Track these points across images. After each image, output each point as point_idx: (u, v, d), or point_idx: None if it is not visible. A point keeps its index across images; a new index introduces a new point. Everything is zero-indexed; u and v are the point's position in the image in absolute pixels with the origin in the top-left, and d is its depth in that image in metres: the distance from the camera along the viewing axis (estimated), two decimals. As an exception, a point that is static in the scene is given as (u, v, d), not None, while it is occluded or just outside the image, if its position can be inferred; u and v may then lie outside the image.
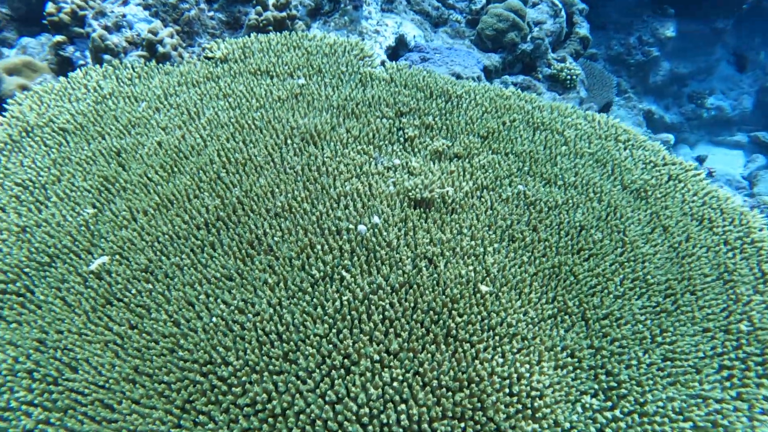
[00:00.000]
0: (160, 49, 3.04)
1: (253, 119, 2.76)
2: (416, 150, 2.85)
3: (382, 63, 3.34)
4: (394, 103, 3.04)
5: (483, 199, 2.58)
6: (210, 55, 3.05)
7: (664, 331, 2.21)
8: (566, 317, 2.18)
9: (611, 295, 2.28)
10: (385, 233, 2.31)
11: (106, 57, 3.06)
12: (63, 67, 3.42)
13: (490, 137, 2.93)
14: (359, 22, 4.05)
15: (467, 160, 2.80)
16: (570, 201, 2.62)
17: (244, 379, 1.92)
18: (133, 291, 2.15)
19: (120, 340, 2.05)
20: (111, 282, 2.19)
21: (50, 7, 3.26)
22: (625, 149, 3.06)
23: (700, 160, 7.72)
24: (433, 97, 3.14)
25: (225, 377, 1.93)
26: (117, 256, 2.26)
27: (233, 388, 1.91)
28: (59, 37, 3.25)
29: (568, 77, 4.86)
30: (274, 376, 1.93)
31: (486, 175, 2.70)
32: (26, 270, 2.25)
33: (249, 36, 3.26)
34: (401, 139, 2.89)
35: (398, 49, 4.50)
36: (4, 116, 2.75)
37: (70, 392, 1.97)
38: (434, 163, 2.77)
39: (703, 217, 2.73)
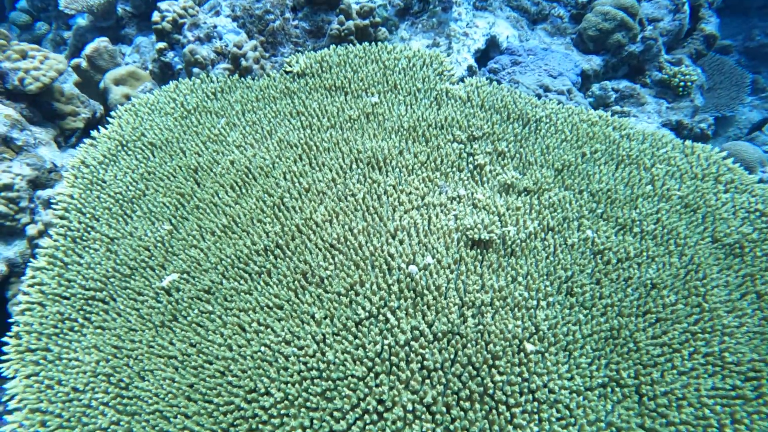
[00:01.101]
0: (243, 62, 3.17)
1: (321, 140, 2.82)
2: (485, 179, 2.76)
3: (461, 79, 3.22)
4: (467, 126, 2.95)
5: (546, 243, 2.46)
6: (288, 69, 3.13)
7: (737, 422, 2.00)
8: (618, 389, 2.05)
9: (675, 370, 2.10)
10: (435, 276, 2.29)
11: (195, 70, 3.25)
12: (164, 71, 3.69)
13: (564, 171, 2.76)
14: (447, 24, 3.92)
15: (536, 196, 2.67)
16: (644, 253, 2.42)
17: (283, 411, 2.03)
18: (196, 311, 2.33)
19: (180, 356, 2.24)
20: (178, 299, 2.39)
21: (156, 16, 3.51)
22: (725, 192, 2.74)
23: None
24: (510, 121, 3.01)
25: (266, 407, 2.06)
26: (185, 275, 2.45)
27: (272, 419, 2.03)
28: (161, 44, 3.50)
29: (681, 84, 4.38)
30: (311, 413, 2.02)
31: (554, 216, 2.56)
32: (111, 279, 2.51)
33: (329, 48, 3.28)
34: (471, 166, 2.81)
35: (490, 51, 4.31)
36: (107, 129, 3.03)
37: (137, 399, 2.20)
38: (501, 197, 2.68)
39: (810, 282, 2.41)
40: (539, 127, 2.97)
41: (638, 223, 2.53)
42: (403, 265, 2.34)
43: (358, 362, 2.11)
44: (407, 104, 3.06)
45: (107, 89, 3.45)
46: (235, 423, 2.06)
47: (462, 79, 3.51)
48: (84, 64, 3.80)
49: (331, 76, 3.16)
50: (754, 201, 2.68)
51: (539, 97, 3.56)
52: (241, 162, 2.77)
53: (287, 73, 3.17)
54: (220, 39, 3.34)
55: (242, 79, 3.22)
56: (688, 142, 3.02)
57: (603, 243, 2.43)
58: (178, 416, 2.12)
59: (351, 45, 3.40)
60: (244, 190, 2.67)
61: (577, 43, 4.54)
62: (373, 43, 3.38)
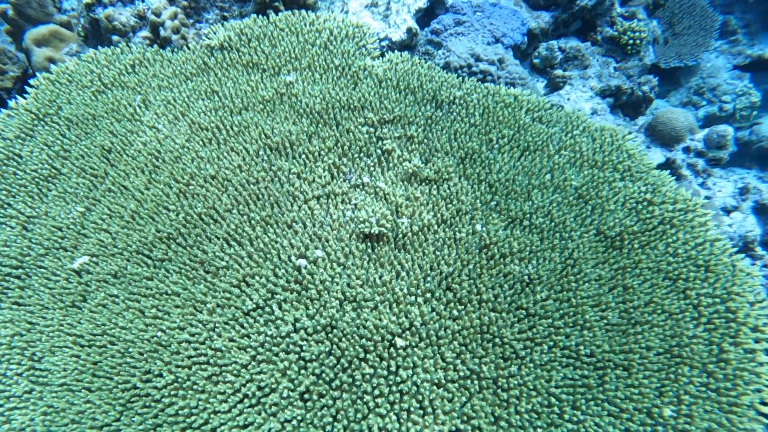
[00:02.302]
0: (162, 32, 3.08)
1: (232, 123, 2.83)
2: (392, 166, 2.80)
3: (384, 52, 3.13)
4: (379, 108, 2.94)
5: (437, 236, 2.55)
6: (207, 42, 3.05)
7: (576, 408, 2.20)
8: (477, 382, 2.23)
9: (532, 363, 2.27)
10: (322, 270, 2.41)
11: (115, 38, 3.17)
12: (95, 27, 3.59)
13: (467, 159, 2.78)
14: (387, -19, 3.75)
15: (437, 186, 2.72)
16: (527, 248, 2.52)
17: (173, 392, 2.24)
18: (102, 294, 2.48)
19: (87, 336, 2.42)
20: (87, 281, 2.53)
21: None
22: (621, 180, 2.78)
23: None
24: (423, 102, 2.98)
25: (159, 387, 2.26)
26: (95, 258, 2.58)
27: (164, 399, 2.24)
28: (88, -1, 3.38)
29: (630, 41, 4.22)
30: (198, 395, 2.23)
31: (449, 207, 2.63)
32: (26, 258, 2.64)
33: (251, 16, 3.17)
34: (379, 151, 2.84)
35: (435, 8, 4.14)
36: (26, 99, 3.02)
37: (48, 372, 2.41)
38: (403, 186, 2.73)
39: (679, 275, 2.52)
40: (451, 110, 2.95)
41: (529, 216, 2.60)
42: (294, 258, 2.45)
43: (242, 351, 2.28)
44: (322, 83, 3.02)
45: (29, 50, 3.36)
46: (131, 400, 2.27)
47: (383, 53, 3.42)
48: (11, 11, 3.67)
49: (248, 51, 3.08)
50: (644, 190, 2.73)
51: (470, 67, 3.48)
52: (152, 144, 2.80)
53: (207, 46, 3.10)
54: (143, 1, 3.22)
55: (161, 51, 3.15)
56: (600, 124, 3.01)
57: (490, 238, 2.52)
58: (83, 390, 2.33)
59: (275, 13, 3.28)
60: (153, 175, 2.73)
61: (529, -4, 4.35)
62: (298, 11, 3.26)
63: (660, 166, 4.04)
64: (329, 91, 2.97)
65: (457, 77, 3.12)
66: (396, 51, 3.22)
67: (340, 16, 3.28)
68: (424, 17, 4.07)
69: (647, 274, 2.51)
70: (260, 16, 3.19)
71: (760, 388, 2.28)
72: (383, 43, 3.77)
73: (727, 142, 3.84)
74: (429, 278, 2.43)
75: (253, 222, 2.56)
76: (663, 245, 2.60)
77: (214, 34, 3.12)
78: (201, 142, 2.79)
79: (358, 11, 3.76)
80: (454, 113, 2.94)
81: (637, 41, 4.22)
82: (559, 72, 4.14)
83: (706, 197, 3.80)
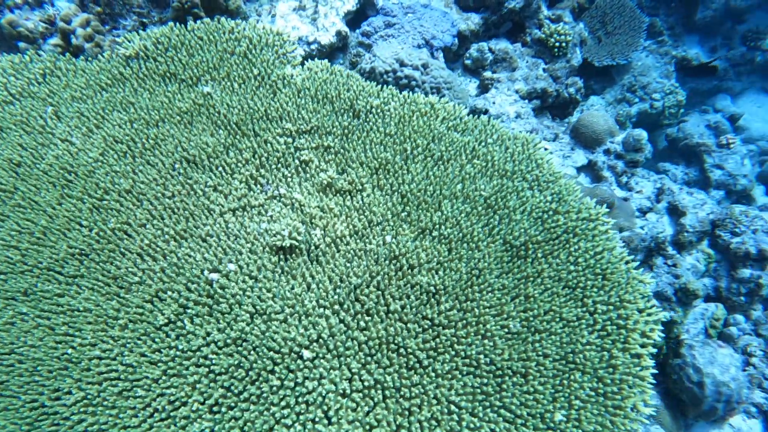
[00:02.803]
0: (74, 40, 3.03)
1: (148, 136, 2.83)
2: (309, 177, 2.86)
3: (302, 62, 3.16)
4: (297, 119, 2.98)
5: (348, 248, 2.63)
6: (122, 51, 3.01)
7: (473, 415, 2.33)
8: (381, 391, 2.33)
9: (434, 373, 2.39)
10: (233, 284, 2.47)
11: (22, 44, 3.09)
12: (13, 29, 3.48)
13: (381, 170, 2.86)
14: (314, -15, 3.76)
15: (351, 197, 2.79)
16: (434, 260, 2.62)
17: (82, 409, 2.28)
18: (11, 312, 2.48)
19: (-4, 355, 2.42)
20: (-4, 299, 2.52)
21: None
22: (530, 189, 2.91)
23: (733, 119, 6.86)
24: (341, 112, 3.04)
25: (68, 405, 2.29)
26: (2, 275, 2.56)
27: (72, 416, 2.27)
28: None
29: (557, 44, 4.35)
30: (108, 411, 2.27)
31: (361, 219, 2.71)
32: (-66, 275, 2.61)
33: (168, 24, 3.13)
34: (297, 162, 2.89)
35: (367, 9, 4.17)
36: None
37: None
38: (318, 197, 2.79)
39: (578, 284, 2.67)
40: (368, 119, 3.02)
41: (438, 226, 2.71)
42: (206, 273, 2.50)
43: (154, 365, 2.33)
44: (241, 94, 3.04)
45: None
46: (39, 418, 2.29)
47: (306, 59, 3.45)
48: None
49: (166, 60, 3.07)
50: (551, 199, 2.86)
51: (394, 72, 3.54)
52: (64, 158, 2.78)
53: (123, 56, 3.05)
54: (53, 5, 3.15)
55: (74, 59, 3.09)
56: (514, 132, 3.13)
57: (399, 249, 2.62)
58: (-7, 411, 2.34)
59: (195, 20, 3.26)
60: (66, 190, 2.72)
61: (459, -2, 4.42)
62: (217, 19, 3.24)
63: (583, 168, 4.22)
64: (248, 101, 2.99)
65: (377, 85, 3.18)
66: (316, 59, 3.25)
67: (260, 24, 3.29)
68: (355, 19, 4.10)
69: (548, 283, 2.65)
70: (178, 24, 3.17)
71: (644, 390, 2.47)
72: (313, 47, 3.79)
73: (642, 145, 4.04)
74: (338, 290, 2.52)
75: (167, 236, 2.59)
76: (565, 254, 2.75)
77: (130, 43, 3.08)
78: (116, 156, 2.79)
79: (286, 14, 3.77)
80: (371, 123, 3.01)
81: (563, 44, 4.35)
82: (488, 74, 4.25)
83: (623, 198, 3.99)
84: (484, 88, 4.29)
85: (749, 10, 7.04)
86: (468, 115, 3.17)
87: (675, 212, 4.05)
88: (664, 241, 3.77)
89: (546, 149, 4.22)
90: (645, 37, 6.30)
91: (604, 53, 5.78)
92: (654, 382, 2.54)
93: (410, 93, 3.17)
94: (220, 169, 2.80)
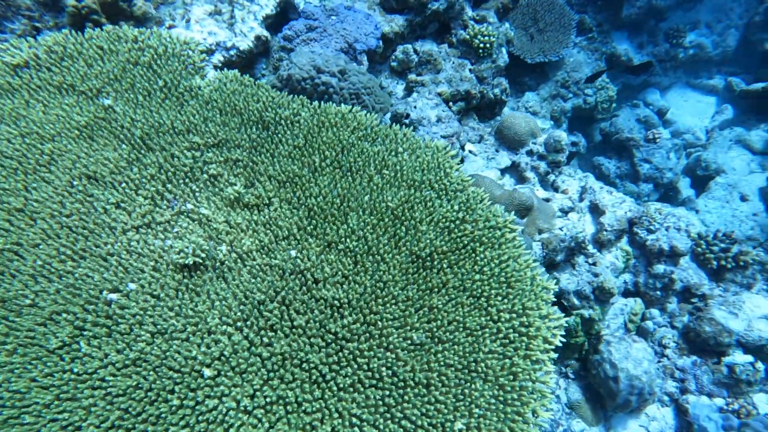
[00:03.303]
0: (-38, 49, 2.91)
1: (41, 152, 2.76)
2: (218, 190, 2.84)
3: (218, 68, 3.12)
4: (204, 132, 2.96)
5: (254, 263, 2.64)
6: (8, 60, 2.90)
7: (375, 428, 2.39)
8: (283, 407, 2.37)
9: (336, 387, 2.43)
10: (134, 303, 2.45)
11: None
12: None
13: (288, 183, 2.88)
14: (230, -11, 3.71)
15: (258, 211, 2.79)
16: (339, 273, 2.66)
17: (-31, 439, 2.24)
18: None
19: None
20: None
21: None
22: (438, 199, 2.96)
23: (661, 113, 7.12)
24: (249, 124, 3.02)
25: (-43, 435, 2.25)
26: None
27: (-38, 446, 2.23)
28: None
29: (481, 45, 4.42)
30: (-5, 439, 2.24)
31: (267, 233, 2.72)
32: None
33: (62, 31, 3.03)
34: (205, 176, 2.87)
35: (288, 13, 4.14)
36: None
37: None
38: (226, 212, 2.79)
39: (482, 293, 2.74)
40: (277, 131, 3.01)
41: (344, 239, 2.74)
42: (105, 293, 2.48)
43: (45, 390, 2.31)
44: (146, 106, 2.99)
45: None
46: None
47: (219, 69, 3.41)
48: None
49: (61, 70, 2.99)
50: (458, 209, 2.92)
51: (312, 79, 3.54)
52: (-48, 176, 2.69)
53: (9, 64, 2.94)
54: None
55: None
56: (425, 141, 3.17)
57: (304, 263, 2.64)
58: None
59: (95, 27, 3.17)
60: (-46, 210, 2.64)
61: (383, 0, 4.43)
62: (119, 26, 3.16)
63: (508, 169, 4.32)
64: (153, 114, 2.95)
65: (289, 94, 3.18)
66: (226, 69, 3.21)
67: (169, 32, 3.22)
68: (277, 23, 4.06)
69: (453, 294, 2.72)
70: (74, 32, 3.07)
71: (543, 395, 2.57)
72: (232, 53, 3.74)
73: (562, 146, 4.16)
74: (243, 306, 2.53)
75: (63, 256, 2.54)
76: (471, 264, 2.81)
77: (17, 50, 2.98)
78: (4, 173, 2.71)
79: (201, 19, 3.70)
80: (280, 135, 3.00)
81: (487, 45, 4.42)
82: (413, 77, 4.28)
83: (545, 199, 4.11)
84: (409, 91, 4.33)
85: (669, 9, 7.29)
86: (390, 120, 3.19)
87: (596, 211, 4.19)
88: (583, 240, 3.91)
89: (471, 152, 4.31)
90: (575, 34, 6.45)
91: (537, 50, 5.90)
92: (553, 387, 2.66)
93: (321, 103, 3.18)
94: (124, 185, 2.76)
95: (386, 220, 2.84)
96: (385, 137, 3.14)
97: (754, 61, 7.53)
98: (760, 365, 3.94)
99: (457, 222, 2.90)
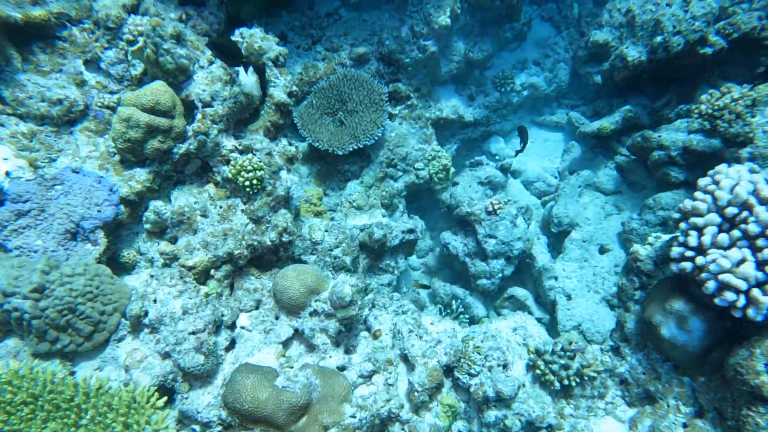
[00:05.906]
0: None
1: None
2: None
3: None
4: None
5: None
6: None
7: None
8: None
9: None
10: None
11: None
12: None
13: None
14: None
15: None
16: None
17: None
18: None
19: None
20: None
21: None
22: None
23: (504, 169, 6.76)
24: None
25: None
26: None
27: None
28: None
29: (247, 182, 3.77)
30: None
31: None
32: None
33: None
34: None
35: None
36: None
37: None
38: None
39: None
40: None
41: None
42: None
43: None
44: None
45: None
46: None
47: None
48: None
49: None
50: None
51: (1, 306, 2.80)
52: None
53: None
54: None
55: None
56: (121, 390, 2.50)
57: None
58: None
59: None
60: None
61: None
62: None
63: (291, 339, 3.67)
64: None
65: None
66: None
67: None
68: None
69: None
70: None
71: None
72: None
73: (346, 303, 3.57)
74: None
75: None
76: None
77: None
78: None
79: None
80: None
81: (254, 181, 3.77)
82: (163, 246, 3.60)
83: (340, 367, 3.56)
84: (170, 260, 3.66)
85: (488, 59, 6.96)
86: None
87: (407, 361, 3.68)
88: (389, 412, 3.37)
89: (244, 327, 3.69)
90: (391, 106, 5.97)
91: (347, 138, 5.34)
92: None
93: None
94: None
95: None
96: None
97: (590, 92, 7.36)
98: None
99: None
